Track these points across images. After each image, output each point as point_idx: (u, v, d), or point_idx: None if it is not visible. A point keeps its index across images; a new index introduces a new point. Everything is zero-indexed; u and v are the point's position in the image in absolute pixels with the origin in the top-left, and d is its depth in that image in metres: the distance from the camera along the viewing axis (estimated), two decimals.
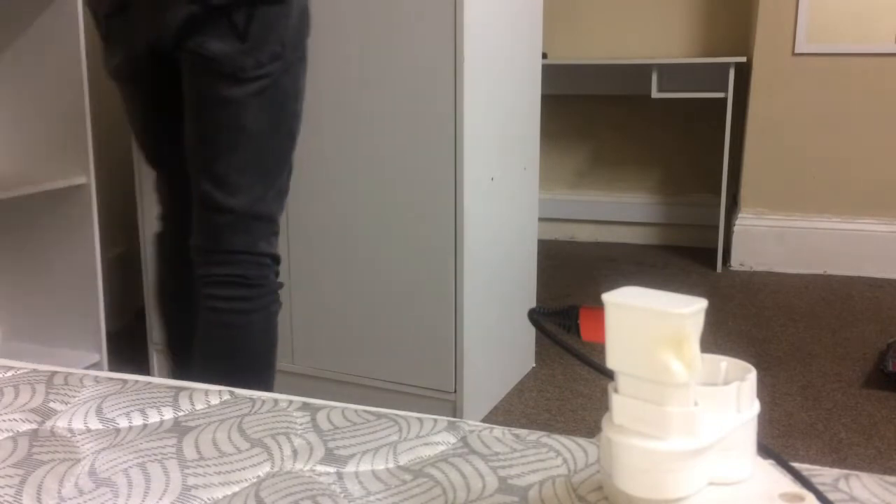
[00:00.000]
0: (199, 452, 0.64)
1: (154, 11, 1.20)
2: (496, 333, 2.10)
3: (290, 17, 1.21)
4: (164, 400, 0.74)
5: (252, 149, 1.21)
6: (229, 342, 1.23)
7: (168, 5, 1.18)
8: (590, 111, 4.07)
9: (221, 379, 1.19)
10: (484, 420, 2.05)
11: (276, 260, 1.26)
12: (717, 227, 3.63)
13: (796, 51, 3.47)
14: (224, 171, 1.21)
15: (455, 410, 1.95)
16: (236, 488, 0.59)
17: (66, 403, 0.74)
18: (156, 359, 2.34)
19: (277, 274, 1.26)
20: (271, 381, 1.29)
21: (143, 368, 2.35)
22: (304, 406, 0.73)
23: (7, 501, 0.57)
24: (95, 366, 2.10)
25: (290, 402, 0.74)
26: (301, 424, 0.69)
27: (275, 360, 1.28)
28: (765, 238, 3.60)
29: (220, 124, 1.21)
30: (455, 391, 1.95)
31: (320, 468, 0.62)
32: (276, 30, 1.19)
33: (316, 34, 1.47)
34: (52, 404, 0.74)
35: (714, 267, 3.62)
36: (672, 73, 3.63)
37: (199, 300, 1.25)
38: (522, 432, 0.67)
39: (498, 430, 0.68)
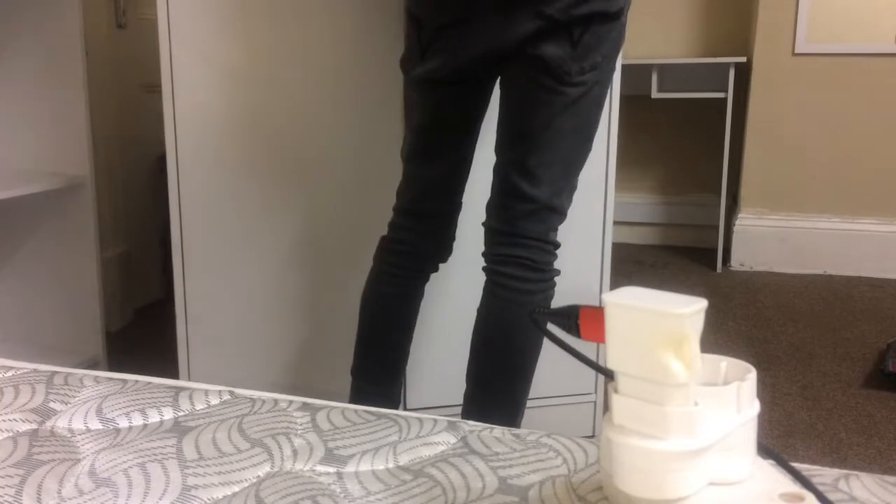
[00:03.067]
0: (199, 452, 0.64)
1: (499, 25, 1.33)
2: None
3: (613, 31, 1.34)
4: (164, 400, 0.74)
5: (561, 148, 1.35)
6: (511, 318, 1.37)
7: (516, 20, 1.31)
8: None
9: (495, 357, 1.38)
10: None
11: (557, 248, 1.40)
12: (717, 227, 3.63)
13: (796, 51, 3.47)
14: (534, 165, 1.34)
15: (595, 411, 1.96)
16: (236, 488, 0.59)
17: (66, 403, 0.74)
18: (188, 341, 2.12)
19: (554, 261, 1.42)
20: (532, 368, 1.44)
21: (143, 368, 2.35)
22: (304, 406, 0.73)
23: (7, 501, 0.57)
24: (95, 366, 2.10)
25: (290, 402, 0.74)
26: (301, 424, 0.69)
27: (540, 348, 1.43)
28: (765, 238, 3.60)
29: (539, 123, 1.33)
30: (595, 391, 1.96)
31: (320, 468, 0.62)
32: (602, 43, 1.33)
33: None
34: (52, 404, 0.74)
35: (714, 267, 3.62)
36: (672, 73, 3.63)
37: (488, 283, 1.40)
38: (522, 432, 0.67)
39: (498, 430, 0.68)
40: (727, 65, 3.41)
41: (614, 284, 1.67)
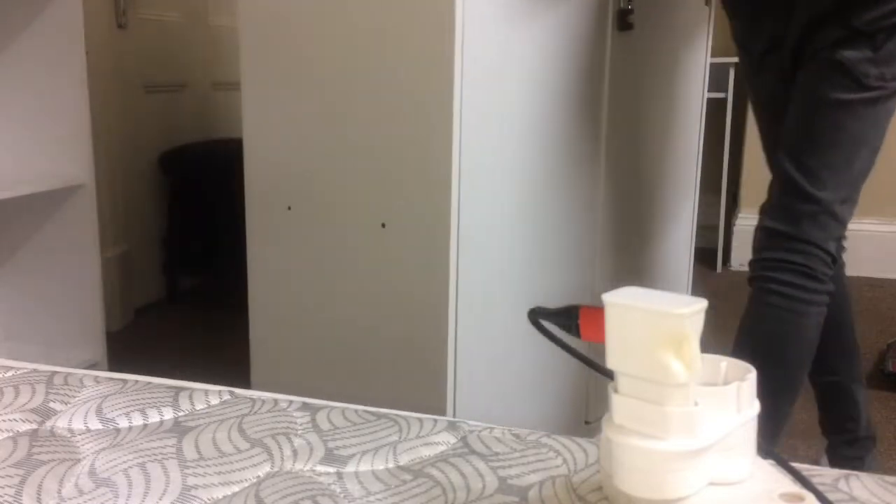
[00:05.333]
0: (199, 452, 0.64)
1: (805, 34, 1.34)
2: None
3: None
4: (164, 400, 0.74)
5: (846, 152, 1.30)
6: (785, 329, 1.31)
7: (823, 31, 1.31)
8: None
9: (763, 371, 1.27)
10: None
11: (835, 262, 1.32)
12: (717, 227, 3.63)
13: None
14: (816, 166, 1.30)
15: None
16: (236, 488, 0.59)
17: (66, 403, 0.74)
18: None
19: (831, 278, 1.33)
20: (801, 383, 1.35)
21: (143, 368, 2.34)
22: (304, 406, 0.73)
23: (7, 501, 0.57)
24: (95, 366, 2.10)
25: (290, 402, 0.74)
26: (301, 424, 0.69)
27: (810, 363, 1.34)
28: None
29: (826, 123, 1.29)
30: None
31: (320, 468, 0.62)
32: None
33: None
34: (52, 404, 0.74)
35: (714, 267, 3.61)
36: None
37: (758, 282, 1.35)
38: (522, 432, 0.67)
39: (498, 430, 0.68)
40: (727, 65, 3.41)
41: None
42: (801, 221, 1.31)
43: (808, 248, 1.30)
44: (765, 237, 1.36)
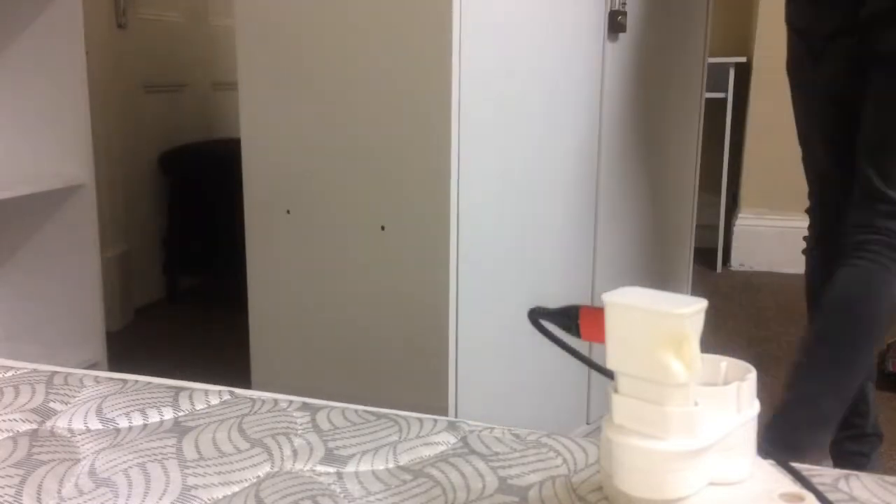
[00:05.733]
0: (199, 452, 0.64)
1: (879, 32, 1.41)
2: None
3: None
4: (164, 400, 0.74)
5: None
6: (873, 283, 1.43)
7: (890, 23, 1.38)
8: None
9: (841, 316, 1.42)
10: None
11: None
12: (717, 227, 3.63)
13: None
14: (892, 168, 1.42)
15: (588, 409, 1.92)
16: (236, 488, 0.59)
17: (66, 403, 0.74)
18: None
19: None
20: (878, 342, 1.48)
21: (143, 368, 2.34)
22: (304, 406, 0.73)
23: (7, 501, 0.57)
24: (95, 366, 2.10)
25: (290, 402, 0.74)
26: (301, 424, 0.69)
27: (886, 329, 1.47)
28: (765, 238, 3.60)
29: None
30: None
31: (320, 468, 0.62)
32: None
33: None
34: (52, 404, 0.74)
35: (714, 267, 3.62)
36: None
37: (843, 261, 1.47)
38: (522, 432, 0.67)
39: (498, 430, 0.68)
40: (727, 65, 3.41)
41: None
42: (878, 218, 1.46)
43: (888, 233, 1.45)
44: (849, 229, 1.50)
